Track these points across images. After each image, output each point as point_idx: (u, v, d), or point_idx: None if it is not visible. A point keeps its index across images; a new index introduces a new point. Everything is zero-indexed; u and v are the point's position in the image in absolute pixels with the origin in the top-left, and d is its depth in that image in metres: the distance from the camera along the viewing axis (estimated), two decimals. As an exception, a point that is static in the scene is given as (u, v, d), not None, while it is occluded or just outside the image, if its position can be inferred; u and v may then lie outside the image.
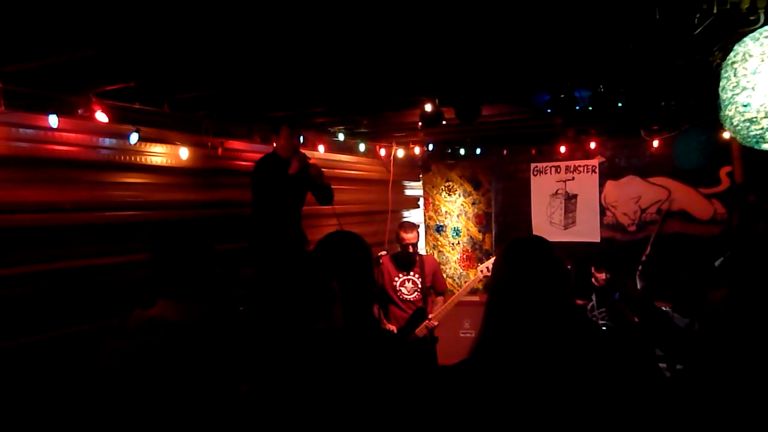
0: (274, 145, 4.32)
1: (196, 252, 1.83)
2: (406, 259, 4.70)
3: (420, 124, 4.15)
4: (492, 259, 4.88)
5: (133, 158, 3.74)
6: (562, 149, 6.48)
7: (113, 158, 3.63)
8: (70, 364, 3.17)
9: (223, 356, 1.75)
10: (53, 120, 3.19)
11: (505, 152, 6.92)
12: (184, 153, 4.00)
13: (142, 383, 1.64)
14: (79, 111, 3.34)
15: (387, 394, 1.68)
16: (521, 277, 1.59)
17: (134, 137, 3.57)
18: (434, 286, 4.88)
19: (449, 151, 6.79)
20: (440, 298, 4.93)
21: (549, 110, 3.81)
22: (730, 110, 1.97)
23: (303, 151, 4.23)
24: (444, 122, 4.10)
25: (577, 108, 3.74)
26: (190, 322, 1.74)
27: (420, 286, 4.72)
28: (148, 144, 3.82)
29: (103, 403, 1.70)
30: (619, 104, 3.65)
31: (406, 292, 4.72)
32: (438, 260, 7.15)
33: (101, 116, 3.35)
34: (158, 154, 3.92)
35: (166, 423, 1.63)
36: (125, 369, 1.66)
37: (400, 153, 6.36)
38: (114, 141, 3.61)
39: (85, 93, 3.34)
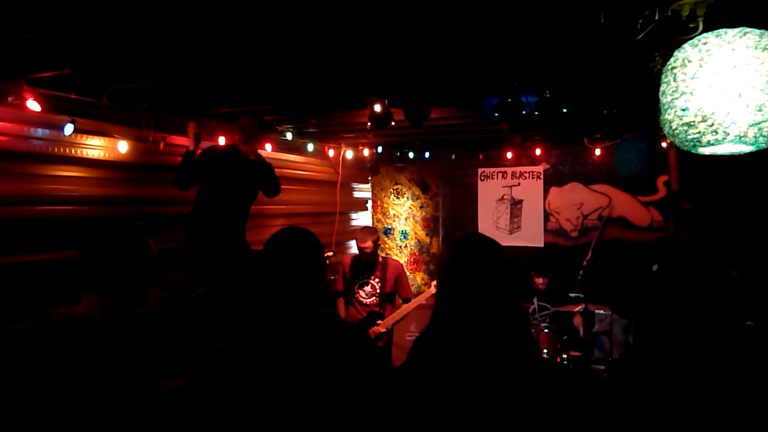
0: (222, 141, 4.19)
1: (124, 245, 1.74)
2: (365, 264, 4.65)
3: (369, 124, 4.12)
4: None
5: (67, 150, 3.57)
6: (509, 155, 6.60)
7: (45, 149, 3.45)
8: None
9: (143, 354, 1.67)
10: (-21, 107, 3.02)
11: (453, 157, 6.99)
12: (123, 147, 3.84)
13: (57, 383, 1.55)
14: (9, 98, 3.17)
15: (345, 390, 1.64)
16: (474, 277, 1.57)
17: (69, 128, 3.40)
18: (398, 291, 4.74)
19: (398, 154, 6.80)
20: (403, 305, 4.69)
21: (496, 114, 3.85)
22: (669, 114, 2.02)
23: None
24: (393, 123, 4.09)
25: (524, 113, 3.81)
26: (112, 319, 1.66)
27: (378, 290, 4.66)
28: (85, 136, 3.66)
29: (16, 403, 1.60)
30: (564, 110, 3.73)
31: (363, 296, 4.67)
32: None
33: (33, 105, 3.19)
34: (95, 147, 3.75)
35: (80, 423, 1.54)
36: (40, 368, 1.57)
37: (349, 154, 6.34)
38: (47, 131, 3.44)
39: (17, 79, 3.17)
